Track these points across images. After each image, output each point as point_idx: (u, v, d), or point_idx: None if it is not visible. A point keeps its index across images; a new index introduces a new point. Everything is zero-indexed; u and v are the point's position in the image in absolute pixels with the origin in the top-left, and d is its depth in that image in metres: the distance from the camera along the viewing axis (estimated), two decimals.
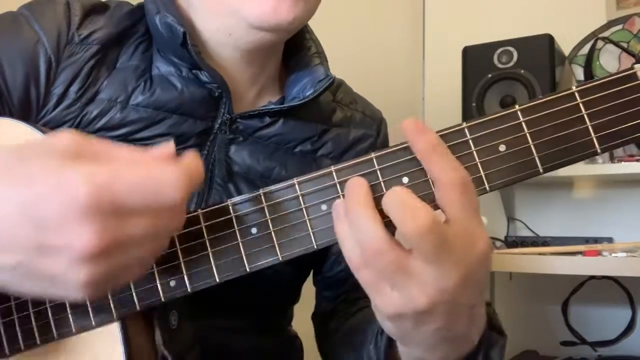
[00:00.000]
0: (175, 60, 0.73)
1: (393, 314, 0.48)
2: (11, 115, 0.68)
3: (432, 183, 0.48)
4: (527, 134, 0.47)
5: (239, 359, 0.77)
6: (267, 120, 0.76)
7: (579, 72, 1.96)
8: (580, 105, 0.46)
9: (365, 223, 0.46)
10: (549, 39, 1.80)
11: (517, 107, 0.47)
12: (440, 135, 0.48)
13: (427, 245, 0.45)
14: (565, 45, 1.92)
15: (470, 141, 0.48)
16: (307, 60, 0.78)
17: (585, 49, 1.94)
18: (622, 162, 1.76)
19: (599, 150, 0.45)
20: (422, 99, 2.33)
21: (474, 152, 0.48)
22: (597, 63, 1.92)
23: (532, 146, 0.47)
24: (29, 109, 0.69)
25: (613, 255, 1.54)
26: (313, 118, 0.80)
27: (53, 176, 0.42)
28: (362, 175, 0.49)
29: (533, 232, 2.00)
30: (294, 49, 0.80)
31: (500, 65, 1.84)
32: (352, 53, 1.86)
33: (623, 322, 1.87)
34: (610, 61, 1.90)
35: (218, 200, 0.55)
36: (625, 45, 1.88)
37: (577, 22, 1.98)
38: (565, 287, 1.94)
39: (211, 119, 0.73)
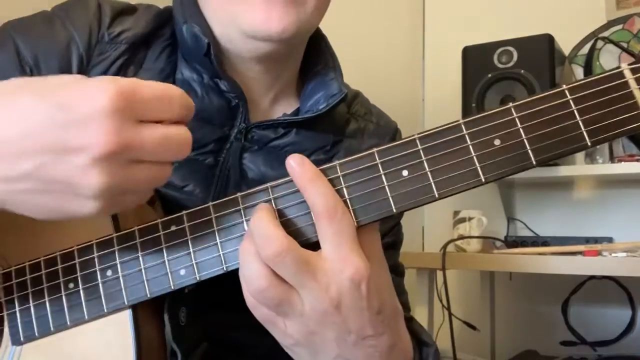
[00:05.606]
0: (198, 68, 0.74)
1: (290, 345, 0.52)
2: None
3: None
4: (521, 129, 0.48)
5: (246, 355, 0.77)
6: (281, 131, 0.77)
7: (579, 72, 1.97)
8: (570, 101, 0.47)
9: (247, 264, 0.50)
10: (549, 39, 1.80)
11: (510, 104, 0.49)
12: (434, 132, 0.49)
13: (285, 271, 0.49)
14: (565, 45, 1.93)
15: (467, 136, 0.49)
16: (323, 74, 0.79)
17: (585, 49, 1.95)
18: (622, 162, 1.76)
19: (589, 143, 0.47)
20: (422, 99, 2.34)
21: (470, 146, 0.49)
22: (597, 63, 1.92)
23: (525, 140, 0.48)
24: None
25: (613, 255, 1.54)
26: (326, 129, 0.80)
27: (80, 83, 0.46)
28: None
29: (533, 232, 2.00)
30: (312, 59, 0.81)
31: (500, 65, 1.85)
32: (352, 53, 1.85)
33: (623, 322, 1.88)
34: (610, 61, 1.91)
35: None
36: (625, 45, 1.88)
37: (577, 22, 1.99)
38: (565, 287, 1.94)
39: (228, 127, 0.75)
